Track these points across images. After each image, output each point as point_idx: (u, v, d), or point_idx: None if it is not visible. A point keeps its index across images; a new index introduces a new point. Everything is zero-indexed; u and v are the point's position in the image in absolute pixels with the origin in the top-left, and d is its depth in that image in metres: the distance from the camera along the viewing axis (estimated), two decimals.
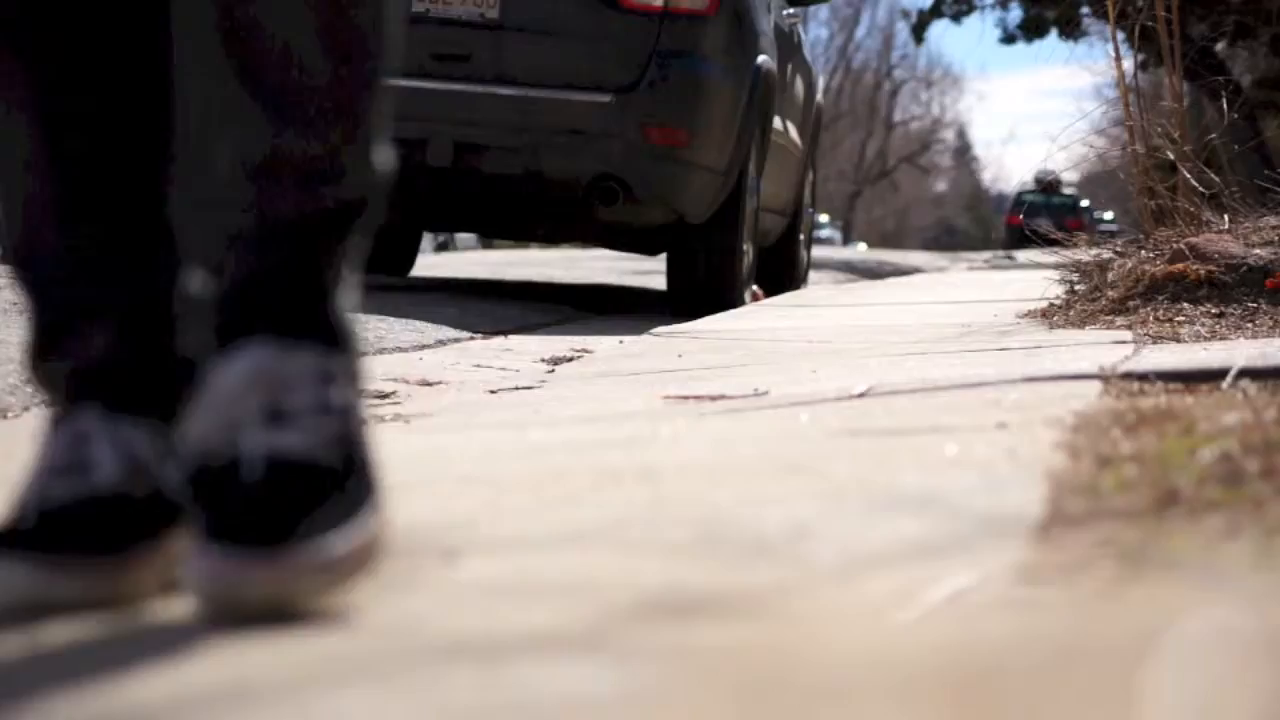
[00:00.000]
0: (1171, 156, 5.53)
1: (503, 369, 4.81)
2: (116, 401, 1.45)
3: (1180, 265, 4.57)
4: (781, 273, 9.94)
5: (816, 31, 57.35)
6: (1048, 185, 35.06)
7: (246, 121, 1.35)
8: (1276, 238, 4.76)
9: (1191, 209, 5.28)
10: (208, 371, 1.36)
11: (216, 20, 1.34)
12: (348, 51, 1.37)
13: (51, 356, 1.51)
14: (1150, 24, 5.73)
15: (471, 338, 6.04)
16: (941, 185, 75.97)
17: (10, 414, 3.26)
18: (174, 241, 1.42)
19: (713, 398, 3.23)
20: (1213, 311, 4.27)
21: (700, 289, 7.76)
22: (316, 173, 1.38)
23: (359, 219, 1.42)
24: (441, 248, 32.29)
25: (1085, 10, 17.43)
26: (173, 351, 1.45)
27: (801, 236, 10.20)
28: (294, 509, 1.27)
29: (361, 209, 1.41)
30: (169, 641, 1.24)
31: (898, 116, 65.38)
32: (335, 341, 1.43)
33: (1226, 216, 5.17)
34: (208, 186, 1.38)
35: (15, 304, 5.11)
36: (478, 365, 4.92)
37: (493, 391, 3.99)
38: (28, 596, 1.31)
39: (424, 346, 5.51)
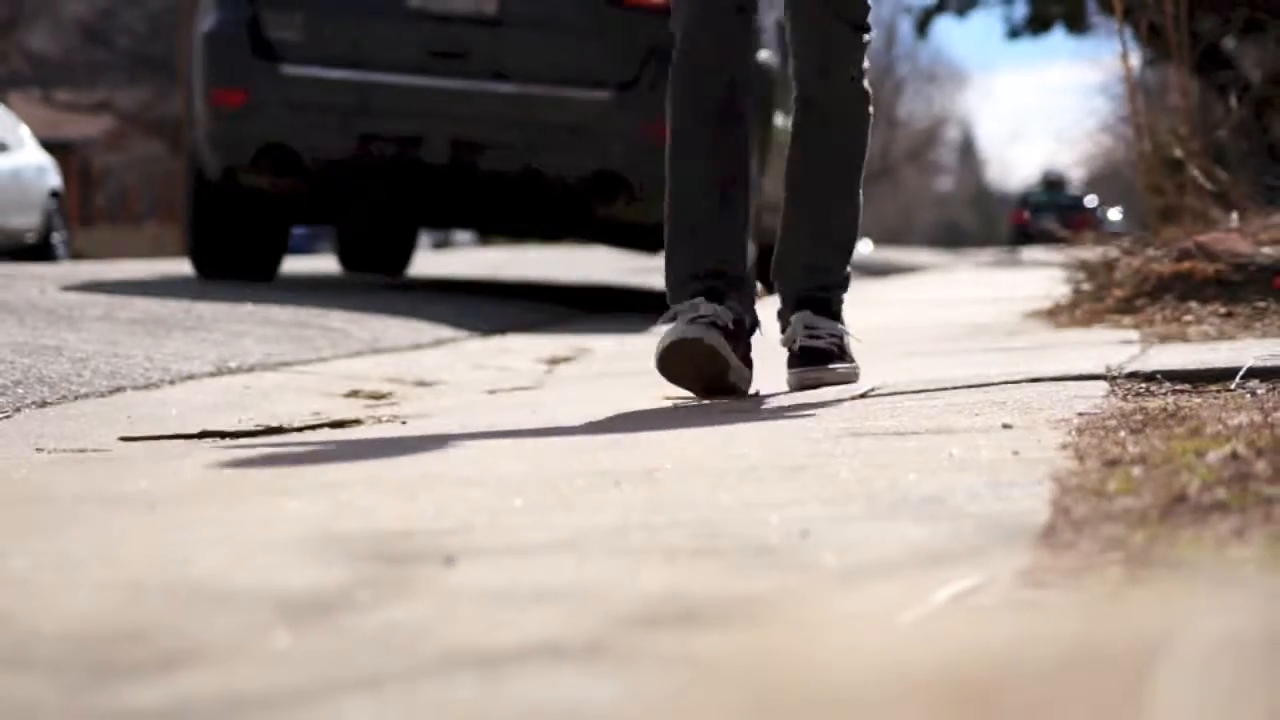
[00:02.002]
0: (1179, 154, 5.53)
1: (501, 369, 4.80)
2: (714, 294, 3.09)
3: (1188, 264, 4.56)
4: None
5: None
6: (1054, 183, 35.17)
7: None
8: None
9: (1199, 207, 5.27)
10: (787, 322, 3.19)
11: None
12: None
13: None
14: (1159, 19, 5.72)
15: (469, 337, 6.03)
16: (946, 183, 75.99)
17: (1, 416, 3.24)
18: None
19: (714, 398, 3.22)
20: (1221, 311, 4.26)
21: None
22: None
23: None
24: (439, 246, 32.35)
25: (1092, 5, 17.44)
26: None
27: None
28: (823, 357, 3.10)
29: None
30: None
31: (901, 113, 65.34)
32: (836, 317, 3.20)
33: (1235, 214, 5.16)
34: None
35: (5, 304, 5.09)
36: (475, 365, 4.91)
37: (491, 392, 3.98)
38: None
39: (421, 346, 5.50)
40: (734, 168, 3.11)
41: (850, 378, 3.12)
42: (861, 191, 3.23)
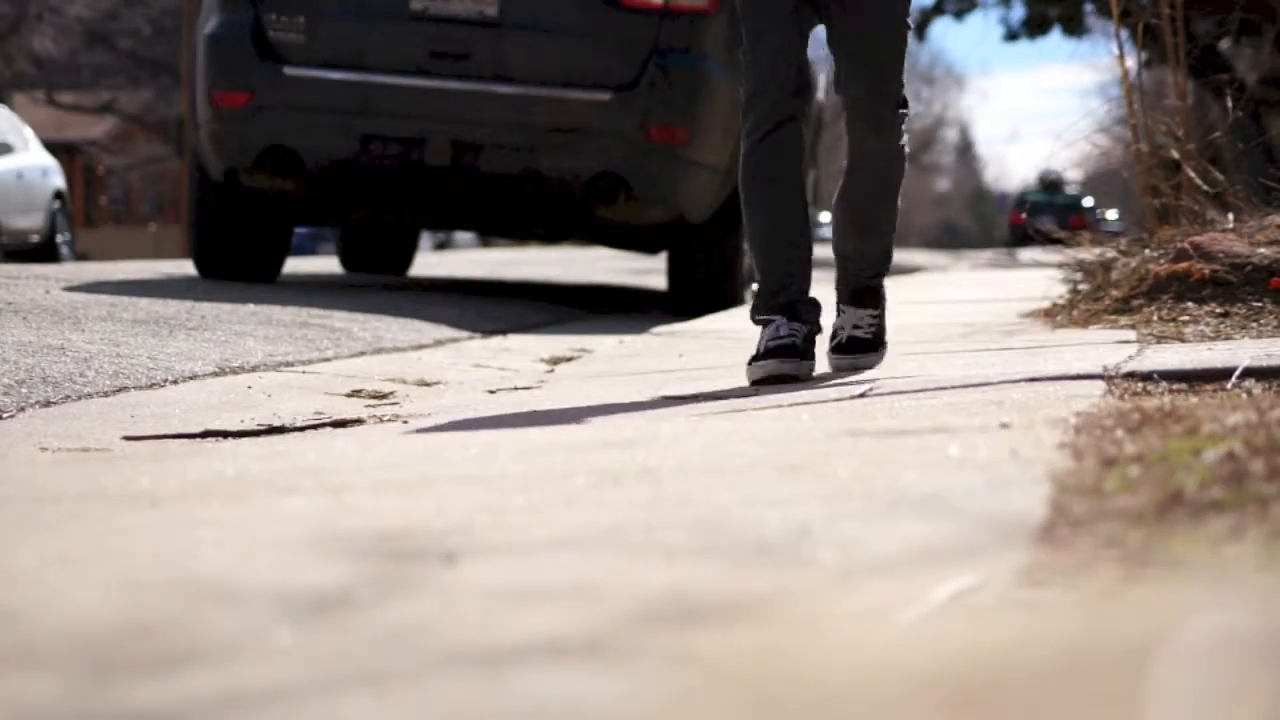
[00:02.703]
0: (1175, 155, 5.54)
1: (502, 369, 4.81)
2: (793, 316, 3.65)
3: (1184, 264, 4.57)
4: None
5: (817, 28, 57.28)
6: (1051, 184, 35.18)
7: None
8: None
9: (1196, 208, 5.28)
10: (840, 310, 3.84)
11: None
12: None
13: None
14: (1154, 21, 5.73)
15: (470, 337, 6.04)
16: (944, 184, 76.12)
17: (6, 415, 3.25)
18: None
19: (713, 397, 3.23)
20: (1217, 311, 4.27)
21: (700, 288, 7.75)
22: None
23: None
24: (440, 247, 32.36)
25: (1089, 7, 17.46)
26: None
27: None
28: (861, 347, 3.79)
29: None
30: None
31: None
32: (876, 308, 3.84)
33: (1231, 215, 5.17)
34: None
35: (10, 304, 5.10)
36: (477, 365, 4.92)
37: (492, 391, 3.99)
38: (771, 372, 3.48)
39: (422, 346, 5.51)
40: (803, 208, 3.77)
41: (876, 363, 3.77)
42: (900, 199, 3.87)
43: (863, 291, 3.82)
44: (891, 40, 3.71)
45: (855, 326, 3.76)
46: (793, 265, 3.68)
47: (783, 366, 3.50)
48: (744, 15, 3.80)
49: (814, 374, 3.60)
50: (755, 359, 3.54)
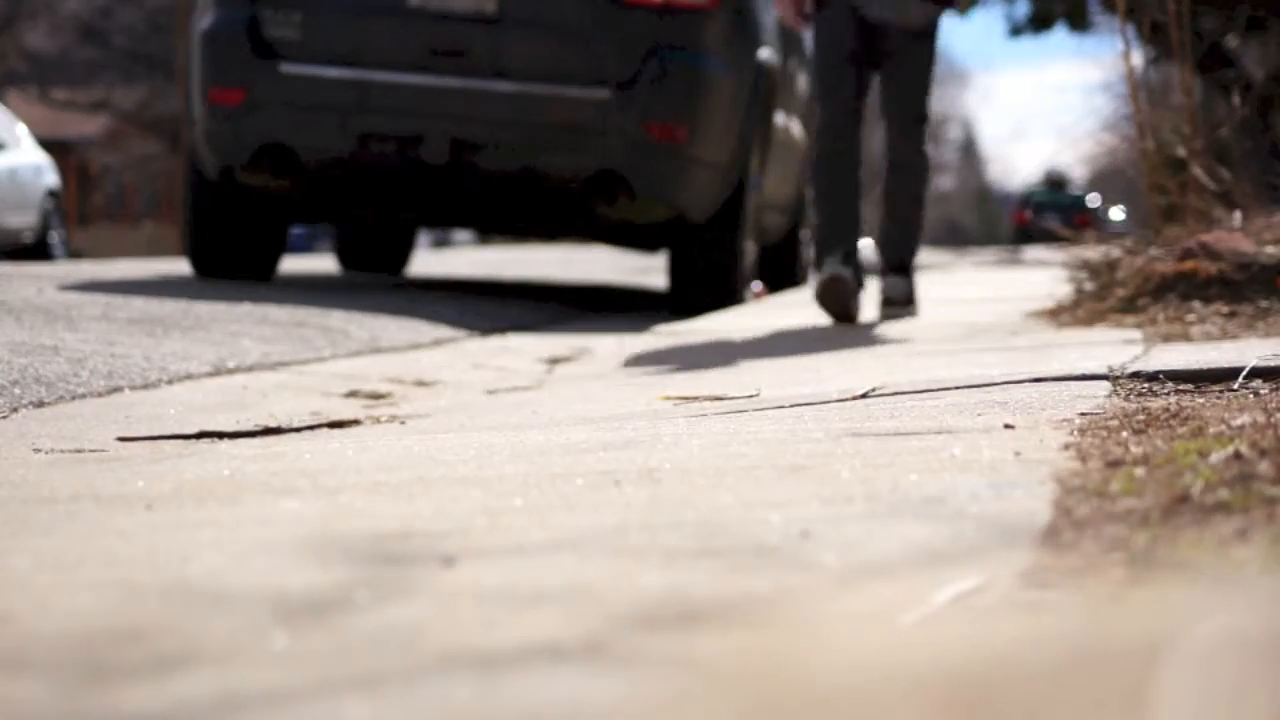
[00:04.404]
0: (1181, 152, 5.54)
1: (501, 369, 4.81)
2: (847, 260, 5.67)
3: (1190, 263, 4.57)
4: (784, 270, 9.94)
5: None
6: (1056, 182, 35.20)
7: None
8: None
9: (1202, 206, 5.28)
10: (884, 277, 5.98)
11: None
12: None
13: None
14: (1161, 17, 5.73)
15: (469, 337, 6.04)
16: (947, 181, 76.36)
17: None
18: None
19: (714, 398, 3.22)
20: (1224, 310, 4.26)
21: (701, 287, 7.75)
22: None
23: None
24: (438, 246, 32.45)
25: (1093, 2, 17.49)
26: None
27: (804, 233, 10.19)
28: (899, 303, 5.81)
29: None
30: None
31: None
32: (908, 278, 5.87)
33: (1237, 214, 5.17)
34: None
35: (3, 303, 5.10)
36: (475, 365, 4.91)
37: (490, 392, 3.99)
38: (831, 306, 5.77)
39: (420, 346, 5.50)
40: (856, 182, 5.55)
41: (913, 314, 5.49)
42: (926, 199, 5.73)
43: (897, 265, 5.55)
44: (920, 80, 5.56)
45: (894, 289, 5.48)
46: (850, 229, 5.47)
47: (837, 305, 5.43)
48: (814, 59, 5.63)
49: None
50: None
